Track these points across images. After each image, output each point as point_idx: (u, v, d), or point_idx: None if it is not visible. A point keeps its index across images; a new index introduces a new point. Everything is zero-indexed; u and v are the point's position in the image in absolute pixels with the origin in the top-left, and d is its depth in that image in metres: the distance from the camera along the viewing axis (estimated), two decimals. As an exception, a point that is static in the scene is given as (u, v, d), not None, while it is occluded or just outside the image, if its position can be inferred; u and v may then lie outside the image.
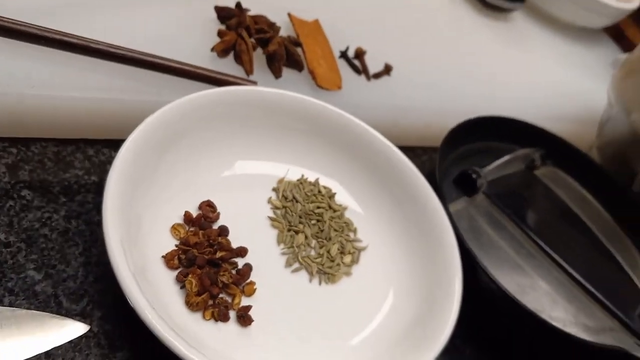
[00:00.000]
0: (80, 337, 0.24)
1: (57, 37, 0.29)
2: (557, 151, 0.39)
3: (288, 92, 0.31)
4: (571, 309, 0.31)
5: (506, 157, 0.35)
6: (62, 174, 0.28)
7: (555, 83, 0.48)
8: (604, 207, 0.38)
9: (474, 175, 0.33)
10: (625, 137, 0.39)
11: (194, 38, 0.33)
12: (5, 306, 0.23)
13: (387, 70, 0.38)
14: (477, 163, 0.35)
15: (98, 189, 0.28)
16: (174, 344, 0.21)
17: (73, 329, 0.24)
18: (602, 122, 0.41)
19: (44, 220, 0.26)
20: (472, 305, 0.30)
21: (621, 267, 0.35)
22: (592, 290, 0.31)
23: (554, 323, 0.28)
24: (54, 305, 0.24)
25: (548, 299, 0.31)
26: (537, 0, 0.53)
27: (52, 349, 0.23)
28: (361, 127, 0.32)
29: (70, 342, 0.23)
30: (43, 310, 0.24)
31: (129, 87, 0.30)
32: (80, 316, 0.24)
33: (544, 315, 0.28)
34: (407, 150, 0.34)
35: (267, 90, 0.31)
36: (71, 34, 0.29)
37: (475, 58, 0.46)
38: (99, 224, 0.26)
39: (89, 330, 0.24)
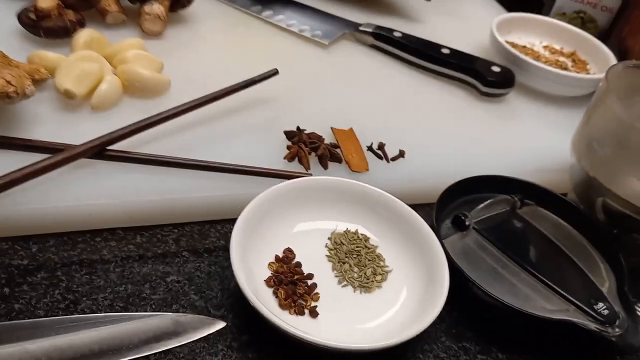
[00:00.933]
0: (222, 328, 0.42)
1: (194, 163, 0.50)
2: (537, 195, 0.53)
3: (333, 177, 0.49)
4: (536, 298, 0.45)
5: (487, 202, 0.51)
6: (204, 241, 0.48)
7: (543, 144, 0.62)
8: (576, 231, 0.51)
9: (462, 217, 0.49)
10: (584, 179, 0.53)
11: (272, 152, 0.53)
12: (180, 313, 0.42)
13: (402, 154, 0.55)
14: (470, 209, 0.51)
15: (225, 248, 0.47)
16: (279, 323, 0.38)
17: (217, 324, 0.42)
18: (570, 168, 0.56)
19: (196, 267, 0.45)
20: (463, 303, 0.45)
21: (586, 275, 0.47)
22: (551, 284, 0.45)
23: (517, 307, 0.42)
24: (206, 312, 0.42)
25: (521, 296, 0.45)
26: (524, 81, 0.68)
27: (206, 335, 0.41)
28: (383, 194, 0.49)
29: (217, 331, 0.41)
30: (200, 314, 0.42)
31: (235, 187, 0.50)
32: (221, 318, 0.42)
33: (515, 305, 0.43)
34: (419, 206, 0.51)
35: (320, 178, 0.50)
36: (200, 160, 0.50)
37: (473, 135, 0.61)
38: (228, 267, 0.45)
39: (226, 325, 0.42)
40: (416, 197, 0.53)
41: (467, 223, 0.49)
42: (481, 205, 0.51)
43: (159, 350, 0.39)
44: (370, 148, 0.56)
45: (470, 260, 0.47)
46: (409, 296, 0.44)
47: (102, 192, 0.47)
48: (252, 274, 0.43)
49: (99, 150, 0.49)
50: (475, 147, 0.60)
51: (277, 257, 0.45)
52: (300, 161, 0.52)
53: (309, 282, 0.44)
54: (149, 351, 0.39)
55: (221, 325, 0.42)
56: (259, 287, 0.43)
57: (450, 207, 0.51)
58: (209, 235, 0.48)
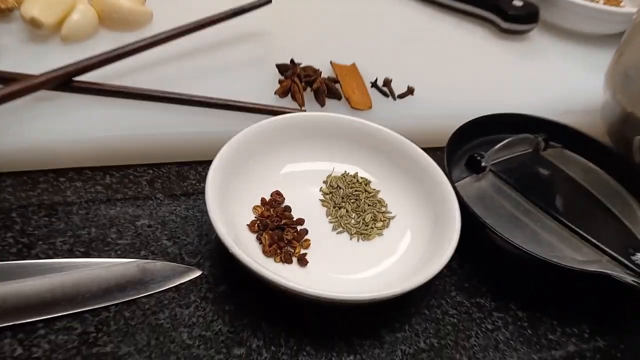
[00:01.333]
0: (197, 277, 0.36)
1: (174, 96, 0.44)
2: (564, 136, 0.47)
3: (329, 114, 0.43)
4: (562, 248, 0.38)
5: (506, 140, 0.44)
6: (182, 183, 0.42)
7: (571, 86, 0.55)
8: (610, 175, 0.45)
9: (478, 157, 0.43)
10: (619, 116, 0.46)
11: (262, 88, 0.47)
12: (149, 260, 0.37)
13: (410, 91, 0.49)
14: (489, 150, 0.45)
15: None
16: (259, 270, 0.32)
17: (192, 273, 0.36)
18: (602, 107, 0.49)
19: (171, 211, 0.40)
20: (478, 253, 0.39)
21: (621, 222, 0.41)
22: (581, 231, 0.39)
23: (542, 256, 0.36)
24: (179, 260, 0.37)
25: (544, 244, 0.39)
26: (550, 18, 0.61)
27: (179, 284, 0.36)
28: (387, 132, 0.43)
29: (191, 280, 0.36)
30: (173, 262, 0.37)
31: (219, 123, 0.44)
32: (196, 266, 0.37)
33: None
34: (430, 150, 0.44)
35: (313, 114, 0.43)
36: (181, 93, 0.44)
37: (493, 75, 0.54)
38: (207, 212, 0.39)
39: (202, 274, 0.36)
40: (426, 139, 0.46)
41: (483, 164, 0.43)
42: (499, 145, 0.44)
43: (122, 300, 0.34)
44: (374, 84, 0.49)
45: (486, 206, 0.41)
46: (414, 244, 0.38)
47: (69, 127, 0.42)
48: (232, 218, 0.37)
49: (65, 80, 0.43)
50: (494, 87, 0.53)
51: (263, 200, 0.40)
52: (293, 97, 0.46)
53: (299, 227, 0.39)
54: (110, 301, 0.34)
55: (195, 273, 0.36)
56: (240, 232, 0.37)
57: (464, 149, 0.45)
58: (188, 178, 0.43)
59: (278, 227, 0.38)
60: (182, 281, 0.36)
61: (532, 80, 0.55)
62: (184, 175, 0.43)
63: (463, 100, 0.50)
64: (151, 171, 0.42)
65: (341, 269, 0.37)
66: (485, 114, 0.46)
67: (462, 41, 0.58)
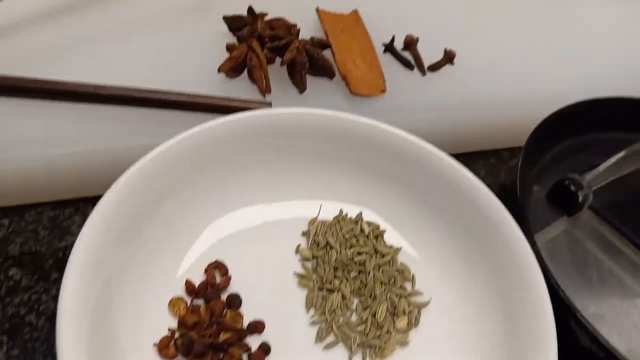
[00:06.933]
0: None
1: (41, 86, 0.25)
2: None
3: (308, 110, 0.25)
4: None
5: (620, 155, 0.26)
6: (58, 242, 0.25)
7: None
8: None
9: (572, 187, 0.24)
10: None
11: (200, 59, 0.28)
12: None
13: (449, 58, 0.30)
14: (583, 164, 0.26)
15: (93, 259, 0.24)
16: None
17: None
18: None
19: (31, 304, 0.23)
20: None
21: None
22: None
23: None
24: (33, 414, 0.20)
25: None
26: None
27: None
28: (411, 141, 0.24)
29: None
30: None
31: (122, 130, 0.25)
32: None
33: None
34: (489, 154, 0.26)
35: (286, 111, 0.25)
36: (54, 81, 0.25)
37: (562, 31, 0.35)
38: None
39: None
40: (474, 140, 0.28)
41: (580, 198, 0.24)
42: (610, 163, 0.26)
43: None
44: (389, 48, 0.30)
45: (590, 277, 0.23)
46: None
47: None
48: (126, 329, 0.20)
49: None
50: (570, 49, 0.34)
51: (188, 285, 0.22)
52: (251, 76, 0.27)
53: (252, 345, 0.21)
54: None
55: None
56: None
57: (543, 161, 0.27)
58: (69, 231, 0.25)
59: (213, 348, 0.20)
60: None
61: (628, 39, 0.36)
62: (62, 227, 0.25)
63: (529, 73, 0.32)
64: (7, 222, 0.25)
65: None
66: (564, 92, 0.28)
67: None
